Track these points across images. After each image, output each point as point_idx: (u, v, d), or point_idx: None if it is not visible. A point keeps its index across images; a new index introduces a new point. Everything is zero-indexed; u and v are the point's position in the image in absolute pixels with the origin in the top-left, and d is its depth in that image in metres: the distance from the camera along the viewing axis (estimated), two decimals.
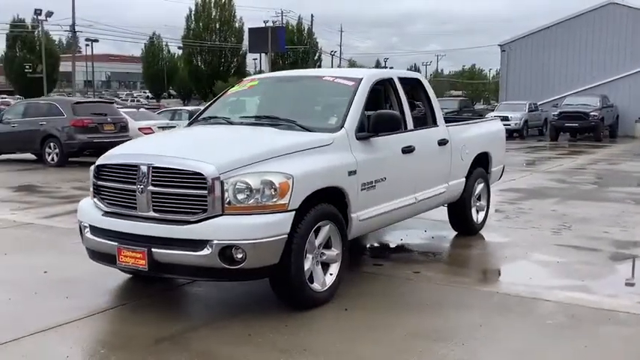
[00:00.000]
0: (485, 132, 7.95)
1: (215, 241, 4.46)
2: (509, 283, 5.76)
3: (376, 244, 7.52)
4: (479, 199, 7.89)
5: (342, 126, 5.40)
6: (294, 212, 4.67)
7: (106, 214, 4.98)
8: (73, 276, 5.81)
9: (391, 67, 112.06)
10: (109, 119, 16.08)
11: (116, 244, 4.80)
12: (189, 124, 6.28)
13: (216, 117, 6.06)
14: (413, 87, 6.89)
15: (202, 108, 6.75)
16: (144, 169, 4.73)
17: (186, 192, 4.59)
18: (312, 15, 57.58)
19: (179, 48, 54.14)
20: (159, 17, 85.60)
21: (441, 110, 7.04)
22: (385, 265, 6.37)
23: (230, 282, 5.27)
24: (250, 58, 56.82)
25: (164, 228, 4.62)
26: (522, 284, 5.67)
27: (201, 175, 4.52)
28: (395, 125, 5.60)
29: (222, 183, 4.51)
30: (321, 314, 4.89)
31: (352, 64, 63.17)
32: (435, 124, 6.83)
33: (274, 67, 55.19)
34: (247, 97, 6.51)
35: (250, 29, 44.90)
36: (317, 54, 56.63)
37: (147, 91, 70.29)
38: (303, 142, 5.10)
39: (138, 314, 4.97)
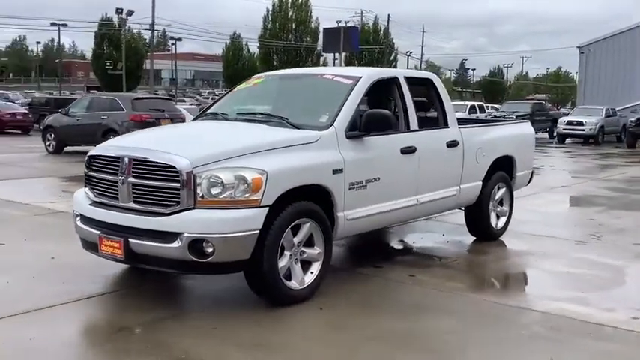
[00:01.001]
0: (508, 135, 7.69)
1: (185, 234, 4.54)
2: (503, 291, 5.58)
3: (385, 246, 7.44)
4: (500, 204, 7.66)
5: (331, 124, 5.36)
6: (267, 208, 4.68)
7: (94, 203, 5.16)
8: (78, 263, 5.99)
9: (473, 69, 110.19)
10: (166, 115, 16.55)
11: (99, 232, 4.97)
12: (195, 119, 6.41)
13: (216, 113, 6.16)
14: (424, 87, 6.76)
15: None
16: (126, 161, 4.87)
17: (162, 184, 4.69)
18: (388, 15, 57.46)
19: (258, 48, 55.05)
20: (242, 17, 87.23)
21: (454, 111, 6.85)
22: (384, 267, 6.27)
23: (218, 275, 5.32)
24: (330, 58, 57.07)
25: (140, 219, 4.74)
26: (516, 293, 5.50)
27: (175, 168, 4.60)
28: (386, 125, 5.49)
29: (194, 177, 4.57)
30: (295, 312, 4.88)
31: (430, 65, 62.54)
32: (445, 125, 6.67)
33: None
34: (250, 93, 6.55)
35: (325, 29, 45.08)
36: (393, 54, 56.37)
37: (228, 89, 71.78)
38: (286, 139, 5.10)
39: (120, 302, 5.12)
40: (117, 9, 45.12)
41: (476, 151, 6.94)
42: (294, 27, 49.79)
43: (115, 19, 54.93)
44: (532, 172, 8.34)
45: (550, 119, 31.17)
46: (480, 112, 31.59)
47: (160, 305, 5.08)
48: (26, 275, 5.70)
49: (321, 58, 55.60)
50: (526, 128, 8.29)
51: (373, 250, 7.19)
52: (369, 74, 5.95)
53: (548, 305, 5.14)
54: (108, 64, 50.42)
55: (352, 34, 43.90)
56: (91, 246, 5.15)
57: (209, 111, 6.34)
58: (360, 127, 5.49)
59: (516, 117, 28.56)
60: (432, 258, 6.73)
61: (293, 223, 4.93)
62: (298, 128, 5.35)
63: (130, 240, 4.74)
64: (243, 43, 62.11)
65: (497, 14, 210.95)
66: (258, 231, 4.65)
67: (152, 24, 43.46)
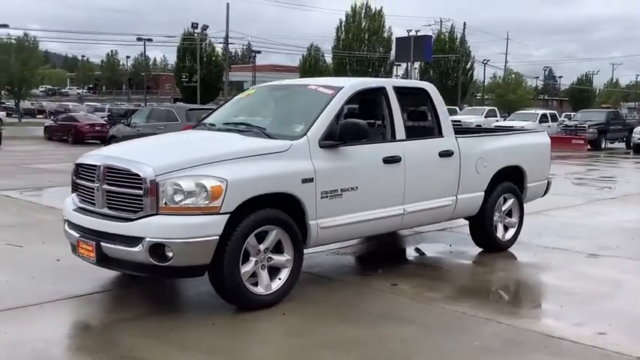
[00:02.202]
0: (515, 145, 7.54)
1: (147, 239, 4.75)
2: (478, 303, 5.45)
3: (383, 254, 7.48)
4: (509, 215, 7.52)
5: (305, 134, 5.47)
6: (227, 215, 4.84)
7: (77, 209, 5.47)
8: (78, 265, 6.14)
9: (560, 77, 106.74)
10: None
11: (77, 236, 5.27)
12: (193, 128, 6.70)
13: (205, 123, 6.40)
14: (418, 97, 6.76)
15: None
16: (101, 168, 5.16)
17: (130, 191, 4.93)
18: (464, 23, 56.64)
19: (332, 58, 55.63)
20: (322, 29, 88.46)
21: (449, 121, 6.79)
22: (370, 275, 6.31)
23: (197, 279, 5.51)
24: (404, 67, 56.85)
25: (110, 224, 5.00)
26: (490, 304, 5.41)
27: (139, 176, 4.84)
28: (361, 134, 5.53)
29: (157, 184, 4.79)
30: (256, 316, 5.00)
31: (509, 74, 61.13)
32: (440, 134, 6.63)
33: (424, 76, 54.85)
34: (243, 104, 6.75)
35: (397, 39, 44.86)
36: (469, 62, 55.53)
37: None
38: (255, 149, 5.24)
39: (97, 303, 5.39)
40: (192, 23, 46.81)
41: (475, 161, 6.85)
42: (367, 37, 50.00)
43: (200, 35, 56.90)
44: (548, 183, 8.10)
45: (627, 128, 29.86)
46: (552, 121, 30.75)
47: (133, 306, 5.33)
48: (27, 275, 6.08)
49: (397, 68, 55.58)
50: (539, 138, 8.10)
51: (368, 258, 7.23)
52: (350, 85, 6.02)
53: (517, 318, 5.05)
54: (184, 76, 52.18)
55: (425, 44, 43.52)
56: (74, 249, 5.46)
57: (204, 121, 6.58)
58: (336, 137, 5.56)
59: (589, 126, 27.66)
60: (425, 267, 6.71)
61: (258, 230, 5.06)
62: (272, 138, 5.48)
63: (101, 244, 5.00)
64: (321, 54, 62.74)
65: (588, 21, 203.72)
66: (217, 237, 4.81)
67: (226, 37, 44.86)
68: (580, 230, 8.86)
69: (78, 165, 5.59)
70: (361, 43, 50.01)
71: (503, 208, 7.40)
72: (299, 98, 6.29)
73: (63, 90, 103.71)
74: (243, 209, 4.94)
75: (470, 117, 31.88)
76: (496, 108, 37.55)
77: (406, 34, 47.46)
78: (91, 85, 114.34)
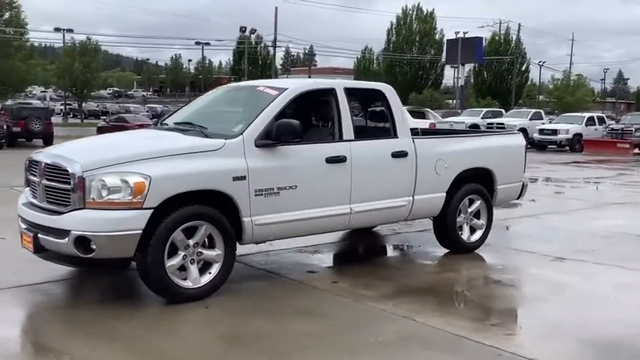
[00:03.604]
0: (482, 147, 7.49)
1: (73, 232, 5.02)
2: (403, 302, 5.45)
3: (341, 254, 7.60)
4: (477, 216, 7.47)
5: (241, 133, 5.63)
6: (150, 210, 5.05)
7: (25, 203, 5.80)
8: None
9: (627, 79, 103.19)
10: None
11: (24, 227, 5.60)
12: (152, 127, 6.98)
13: (160, 122, 6.67)
14: (372, 98, 6.82)
15: None
16: (42, 165, 5.47)
17: (62, 186, 5.21)
18: (519, 25, 55.55)
19: (382, 61, 55.53)
20: (379, 31, 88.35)
21: (406, 122, 6.82)
22: (319, 273, 6.43)
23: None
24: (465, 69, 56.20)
25: (45, 217, 5.29)
26: (416, 303, 5.42)
27: (67, 172, 5.13)
28: (294, 134, 5.63)
29: (84, 180, 5.05)
30: (178, 309, 5.18)
31: (567, 76, 59.55)
32: (395, 135, 6.67)
33: (477, 78, 54.17)
34: (199, 103, 6.97)
35: (448, 40, 44.72)
36: (525, 64, 54.44)
37: None
38: (186, 147, 5.44)
39: (42, 292, 5.67)
40: (240, 27, 47.78)
41: (434, 162, 6.85)
42: (417, 39, 49.75)
43: (252, 38, 57.98)
44: (523, 185, 7.98)
45: None
46: (600, 124, 29.89)
47: (74, 296, 5.67)
48: None
49: (454, 70, 54.91)
50: (512, 140, 8.01)
51: (326, 257, 7.32)
52: (295, 86, 6.12)
53: (434, 317, 5.08)
54: (232, 79, 53.20)
55: (475, 45, 43.08)
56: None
57: (161, 120, 6.85)
58: (272, 137, 5.69)
59: (636, 129, 26.78)
60: (378, 266, 6.79)
61: (185, 225, 5.24)
62: (209, 137, 5.66)
63: (39, 235, 5.31)
64: (375, 56, 62.72)
65: None
66: (140, 231, 5.02)
67: (274, 41, 45.51)
68: (564, 234, 8.69)
69: (29, 161, 5.92)
70: (412, 45, 49.81)
71: (470, 210, 7.36)
72: (247, 98, 6.46)
73: (129, 92, 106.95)
74: (170, 205, 5.14)
75: (514, 119, 31.22)
76: (542, 110, 36.62)
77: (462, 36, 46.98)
78: (156, 88, 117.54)
